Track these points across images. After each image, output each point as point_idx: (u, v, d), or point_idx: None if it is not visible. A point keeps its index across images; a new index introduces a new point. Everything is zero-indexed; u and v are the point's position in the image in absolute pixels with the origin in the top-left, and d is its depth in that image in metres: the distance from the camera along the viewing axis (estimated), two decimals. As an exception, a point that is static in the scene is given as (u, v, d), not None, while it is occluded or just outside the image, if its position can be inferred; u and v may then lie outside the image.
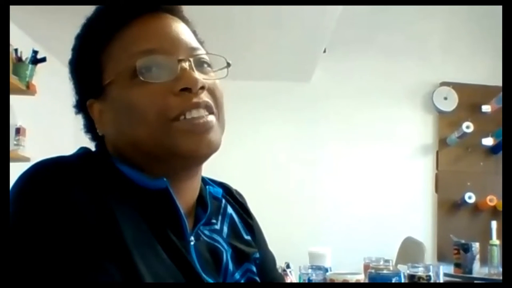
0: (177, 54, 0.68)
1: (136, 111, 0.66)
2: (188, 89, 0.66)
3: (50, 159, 0.64)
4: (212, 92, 0.70)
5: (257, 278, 0.80)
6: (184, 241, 0.69)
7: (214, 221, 0.79)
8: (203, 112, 0.68)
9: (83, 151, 0.71)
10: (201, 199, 0.77)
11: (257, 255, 0.83)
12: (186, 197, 0.73)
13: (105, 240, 0.58)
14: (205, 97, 0.69)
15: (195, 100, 0.67)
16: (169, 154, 0.67)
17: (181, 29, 0.72)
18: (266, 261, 0.87)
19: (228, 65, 0.73)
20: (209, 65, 0.73)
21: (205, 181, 0.81)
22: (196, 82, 0.67)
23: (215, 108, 0.70)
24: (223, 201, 0.84)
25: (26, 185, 0.60)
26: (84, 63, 0.73)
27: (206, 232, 0.76)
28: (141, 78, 0.66)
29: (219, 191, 0.82)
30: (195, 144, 0.67)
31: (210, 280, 0.70)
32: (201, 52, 0.72)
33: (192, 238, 0.71)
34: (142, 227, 0.64)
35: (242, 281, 0.76)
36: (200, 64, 0.71)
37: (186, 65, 0.68)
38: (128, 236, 0.60)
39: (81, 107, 0.75)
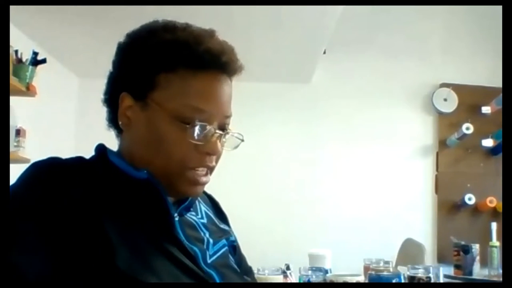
0: (216, 124, 0.84)
1: (167, 147, 0.81)
2: (209, 154, 0.84)
3: (47, 160, 0.78)
4: (218, 158, 0.87)
5: (231, 256, 0.96)
6: (169, 216, 0.84)
7: (193, 211, 0.94)
8: (206, 171, 0.86)
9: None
10: None
11: (233, 238, 1.00)
12: None
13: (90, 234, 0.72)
14: (214, 161, 0.86)
15: (208, 163, 0.85)
16: (170, 185, 0.83)
17: (228, 98, 0.86)
18: (240, 251, 1.03)
19: (242, 141, 0.91)
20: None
21: None
22: (218, 153, 0.85)
23: (213, 170, 0.88)
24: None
25: (24, 184, 0.74)
26: (142, 63, 0.82)
27: (188, 215, 0.92)
28: (184, 126, 0.80)
29: None
30: (192, 191, 0.86)
31: (195, 248, 0.85)
32: (231, 129, 0.88)
33: (176, 214, 0.87)
34: (126, 214, 0.78)
35: (222, 252, 0.92)
36: (224, 136, 0.87)
37: (217, 135, 0.84)
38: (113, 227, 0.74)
39: (111, 93, 0.86)
